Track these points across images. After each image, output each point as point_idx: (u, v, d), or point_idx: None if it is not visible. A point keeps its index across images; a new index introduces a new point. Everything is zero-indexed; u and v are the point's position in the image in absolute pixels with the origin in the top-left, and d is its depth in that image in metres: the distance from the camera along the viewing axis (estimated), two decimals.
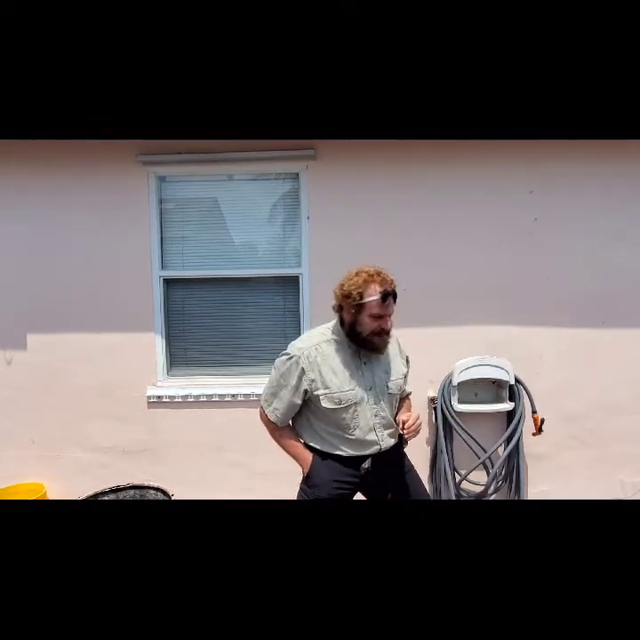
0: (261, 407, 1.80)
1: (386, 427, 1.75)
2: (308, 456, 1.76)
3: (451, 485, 2.67)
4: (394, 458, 1.81)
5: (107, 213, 2.87)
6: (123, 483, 2.63)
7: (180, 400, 2.92)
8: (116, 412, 2.95)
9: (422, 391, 2.83)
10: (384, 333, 1.66)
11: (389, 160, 2.79)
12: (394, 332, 1.78)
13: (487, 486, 2.69)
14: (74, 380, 2.94)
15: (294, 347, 1.73)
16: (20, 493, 2.89)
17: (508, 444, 2.68)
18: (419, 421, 1.66)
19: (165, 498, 2.54)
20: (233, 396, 2.91)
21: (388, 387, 1.74)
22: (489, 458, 2.69)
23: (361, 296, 1.61)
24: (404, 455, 1.87)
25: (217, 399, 2.92)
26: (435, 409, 2.80)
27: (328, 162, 2.82)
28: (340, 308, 1.71)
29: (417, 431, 1.66)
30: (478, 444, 2.70)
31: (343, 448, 1.72)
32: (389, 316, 1.65)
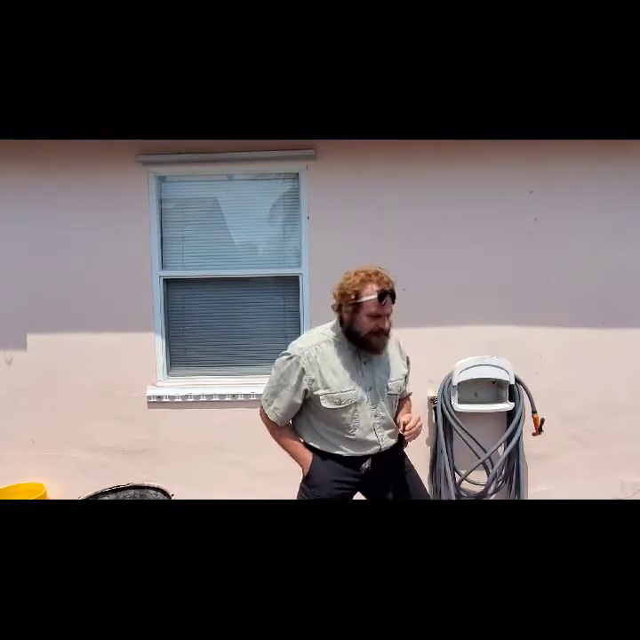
0: (262, 407, 1.80)
1: (386, 427, 1.75)
2: (308, 456, 1.76)
3: (451, 485, 2.67)
4: (394, 458, 1.81)
5: (107, 213, 2.87)
6: (123, 483, 2.63)
7: (179, 400, 2.92)
8: (115, 412, 2.95)
9: (422, 391, 2.83)
10: (382, 333, 1.66)
11: (389, 160, 2.79)
12: (394, 333, 1.78)
13: (487, 486, 2.69)
14: (74, 379, 2.94)
15: (294, 347, 1.73)
16: (20, 493, 2.89)
17: (507, 444, 2.68)
18: (419, 423, 1.66)
19: (165, 498, 2.54)
20: (233, 396, 2.91)
21: (387, 387, 1.74)
22: (489, 458, 2.69)
23: (358, 295, 1.61)
24: (404, 455, 1.87)
25: (217, 399, 2.92)
26: (435, 409, 2.80)
27: (328, 162, 2.82)
28: (339, 308, 1.71)
29: (417, 433, 1.66)
30: (478, 444, 2.70)
31: (343, 448, 1.72)
32: (387, 315, 1.65)
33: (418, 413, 1.73)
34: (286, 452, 1.81)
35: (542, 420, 2.73)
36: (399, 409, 1.85)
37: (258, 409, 1.85)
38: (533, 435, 2.74)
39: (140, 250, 2.89)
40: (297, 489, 1.82)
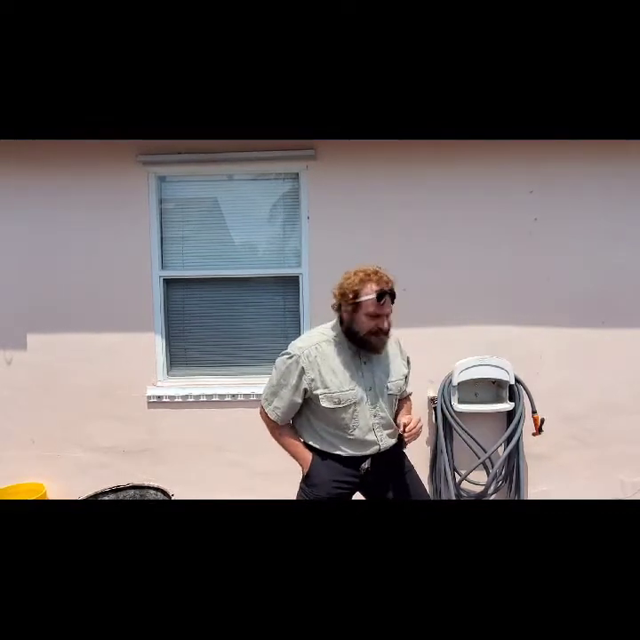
0: (262, 406, 1.80)
1: (385, 427, 1.75)
2: (308, 455, 1.76)
3: (451, 485, 2.67)
4: (393, 458, 1.81)
5: (107, 213, 2.87)
6: (123, 483, 2.63)
7: (180, 400, 2.92)
8: (116, 412, 2.95)
9: (422, 391, 2.83)
10: (381, 333, 1.65)
11: (389, 160, 2.79)
12: (395, 333, 1.77)
13: (487, 486, 2.69)
14: (74, 379, 2.94)
15: (294, 346, 1.73)
16: (20, 493, 2.89)
17: (507, 444, 2.68)
18: (419, 424, 1.66)
19: (165, 498, 2.54)
20: (233, 396, 2.91)
21: (387, 387, 1.74)
22: (489, 458, 2.69)
23: (357, 295, 1.61)
24: (404, 455, 1.87)
25: (217, 399, 2.92)
26: (435, 409, 2.80)
27: (328, 162, 2.82)
28: (339, 308, 1.71)
29: (417, 434, 1.65)
30: (478, 444, 2.70)
31: (343, 448, 1.72)
32: (387, 315, 1.65)
33: (418, 414, 1.73)
34: (286, 452, 1.81)
35: (542, 420, 2.73)
36: (399, 409, 1.85)
37: (258, 409, 1.85)
38: (533, 435, 2.74)
39: (139, 250, 2.89)
40: (297, 489, 1.82)
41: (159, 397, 2.92)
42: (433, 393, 2.83)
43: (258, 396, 2.02)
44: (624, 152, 2.73)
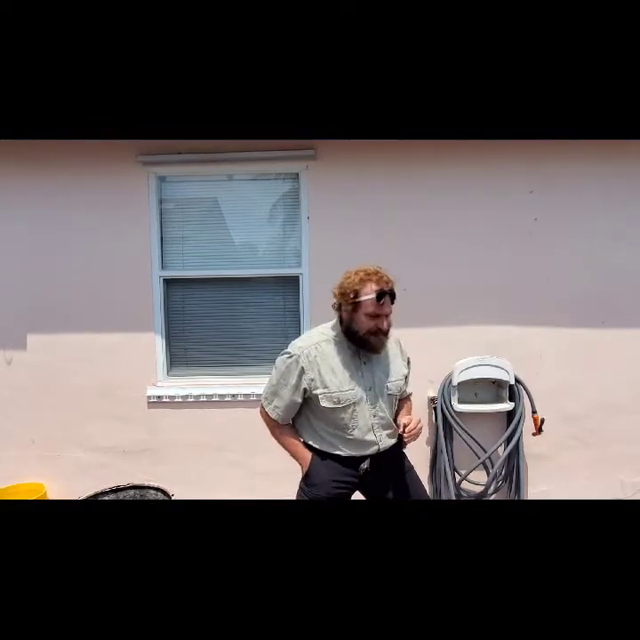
0: (262, 405, 1.81)
1: (385, 427, 1.75)
2: (308, 455, 1.76)
3: (451, 485, 2.67)
4: (393, 458, 1.81)
5: (107, 213, 2.87)
6: (123, 483, 2.63)
7: (180, 400, 2.92)
8: (116, 412, 2.95)
9: (422, 391, 2.83)
10: (381, 333, 1.65)
11: (389, 160, 2.79)
12: (395, 333, 1.77)
13: (487, 486, 2.69)
14: (74, 379, 2.94)
15: (294, 346, 1.73)
16: (20, 493, 2.89)
17: (507, 444, 2.68)
18: (419, 425, 1.66)
19: (165, 498, 2.54)
20: (233, 396, 2.91)
21: (387, 387, 1.74)
22: (489, 458, 2.69)
23: (357, 294, 1.61)
24: (404, 456, 1.87)
25: (217, 399, 2.92)
26: (435, 409, 2.80)
27: (328, 162, 2.82)
28: (339, 307, 1.71)
29: (417, 435, 1.65)
30: (478, 444, 2.70)
31: (342, 448, 1.72)
32: (386, 315, 1.64)
33: (418, 414, 1.73)
34: (286, 451, 1.81)
35: (542, 420, 2.73)
36: (399, 409, 1.85)
37: (258, 409, 1.85)
38: (533, 435, 2.74)
39: (139, 250, 2.89)
40: (297, 489, 1.82)
41: (159, 397, 2.92)
42: (433, 393, 2.83)
43: (258, 396, 2.02)
44: (624, 152, 2.73)
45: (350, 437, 1.71)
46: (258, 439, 2.02)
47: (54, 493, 2.97)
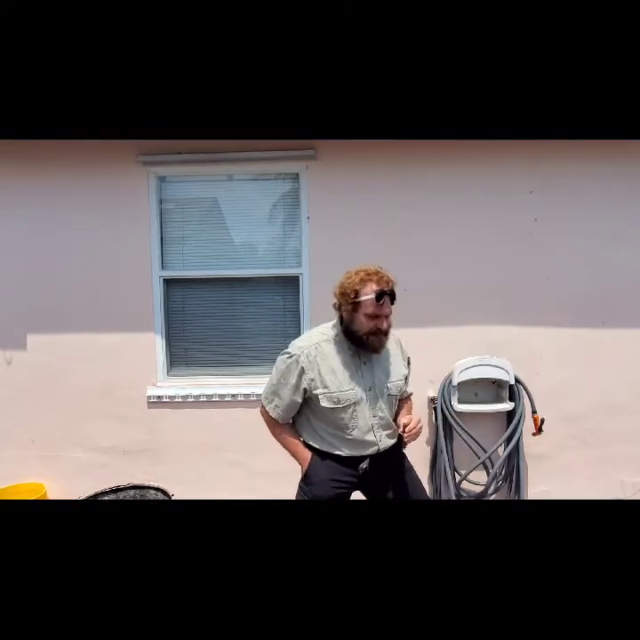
0: (262, 404, 1.81)
1: (384, 427, 1.75)
2: (307, 454, 1.76)
3: (451, 485, 2.67)
4: (393, 458, 1.81)
5: (107, 213, 2.87)
6: (123, 483, 2.63)
7: (180, 400, 2.92)
8: (116, 412, 2.95)
9: (422, 391, 2.83)
10: (380, 333, 1.65)
11: (389, 160, 2.79)
12: (396, 333, 1.77)
13: (487, 486, 2.69)
14: (74, 379, 2.94)
15: (295, 345, 1.73)
16: (20, 493, 2.89)
17: (508, 444, 2.68)
18: (419, 425, 1.65)
19: (165, 498, 2.53)
20: (233, 396, 2.91)
21: (387, 387, 1.74)
22: (489, 458, 2.69)
23: (357, 294, 1.61)
24: (404, 456, 1.86)
25: (217, 399, 2.92)
26: (435, 409, 2.80)
27: (328, 162, 2.82)
28: (339, 307, 1.71)
29: (417, 435, 1.65)
30: (478, 444, 2.70)
31: (342, 448, 1.72)
32: (386, 316, 1.64)
33: (418, 414, 1.72)
34: (286, 451, 1.81)
35: (542, 420, 2.73)
36: (399, 409, 1.85)
37: (258, 408, 1.85)
38: (533, 435, 2.74)
39: (139, 250, 2.89)
40: (297, 489, 1.82)
41: (159, 397, 2.92)
42: (433, 393, 2.83)
43: (258, 396, 2.02)
44: (624, 152, 2.73)
45: (350, 437, 1.71)
46: (258, 439, 2.02)
47: (54, 493, 2.97)
